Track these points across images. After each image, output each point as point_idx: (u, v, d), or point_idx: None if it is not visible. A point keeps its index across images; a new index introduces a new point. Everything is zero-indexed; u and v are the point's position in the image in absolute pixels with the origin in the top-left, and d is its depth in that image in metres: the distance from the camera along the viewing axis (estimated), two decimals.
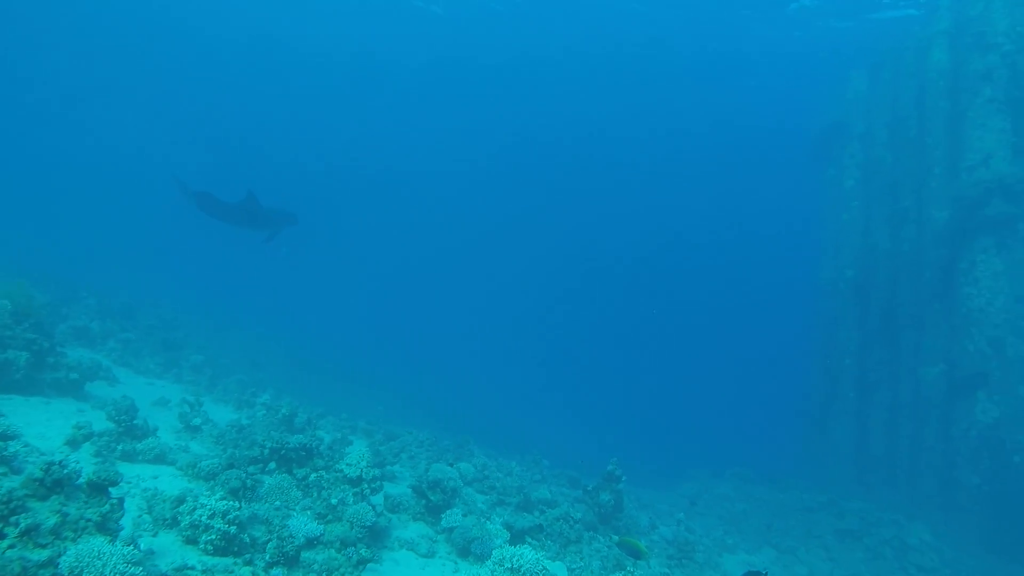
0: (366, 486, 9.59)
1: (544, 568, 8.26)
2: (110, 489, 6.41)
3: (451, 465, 11.35)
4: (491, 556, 8.36)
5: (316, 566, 6.80)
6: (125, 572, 5.15)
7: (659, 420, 48.98)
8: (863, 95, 28.33)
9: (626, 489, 16.05)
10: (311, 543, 7.84)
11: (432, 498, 10.40)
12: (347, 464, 9.61)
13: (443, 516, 10.12)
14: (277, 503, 8.76)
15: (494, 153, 68.96)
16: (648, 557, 8.92)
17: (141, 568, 5.42)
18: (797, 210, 40.37)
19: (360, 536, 8.50)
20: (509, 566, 8.07)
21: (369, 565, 8.38)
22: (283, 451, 9.48)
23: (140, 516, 7.42)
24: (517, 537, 10.91)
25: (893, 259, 25.54)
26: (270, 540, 7.05)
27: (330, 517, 8.80)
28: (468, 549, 9.66)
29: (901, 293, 25.13)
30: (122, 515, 6.42)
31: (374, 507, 9.34)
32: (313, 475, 9.45)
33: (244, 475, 8.35)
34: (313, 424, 13.45)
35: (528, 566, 8.07)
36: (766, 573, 8.37)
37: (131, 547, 5.67)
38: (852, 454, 26.00)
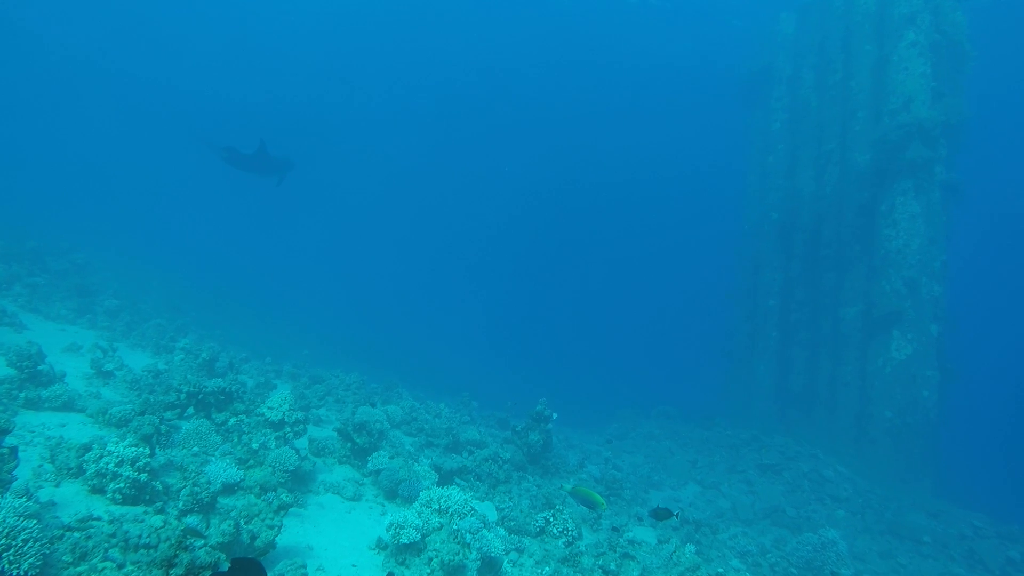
0: (289, 430, 9.32)
1: (472, 508, 8.21)
2: (3, 438, 5.98)
3: (372, 406, 11.13)
4: (419, 498, 8.25)
5: (234, 512, 6.55)
6: (16, 526, 4.79)
7: (590, 362, 49.76)
8: (791, 38, 28.43)
9: (555, 429, 16.18)
10: (229, 489, 7.57)
11: (358, 441, 10.20)
12: (268, 408, 9.30)
13: (369, 459, 9.95)
14: (195, 449, 8.42)
15: (425, 98, 67.30)
16: (603, 508, 8.81)
17: (37, 521, 5.07)
18: (724, 153, 40.80)
19: (282, 481, 8.26)
20: (437, 507, 7.97)
21: (292, 510, 8.18)
22: (201, 395, 9.09)
23: (41, 466, 6.99)
24: (446, 478, 10.85)
25: (817, 202, 26.04)
26: (184, 487, 6.75)
27: (251, 462, 8.53)
28: (395, 491, 9.54)
29: (824, 235, 25.69)
30: (15, 465, 6.01)
31: (298, 451, 9.09)
32: (233, 419, 9.12)
33: (158, 421, 7.96)
34: (235, 368, 13.02)
35: (456, 507, 7.99)
36: (678, 513, 8.50)
37: (24, 498, 5.30)
38: (774, 392, 26.84)
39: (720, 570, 9.25)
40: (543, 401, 13.99)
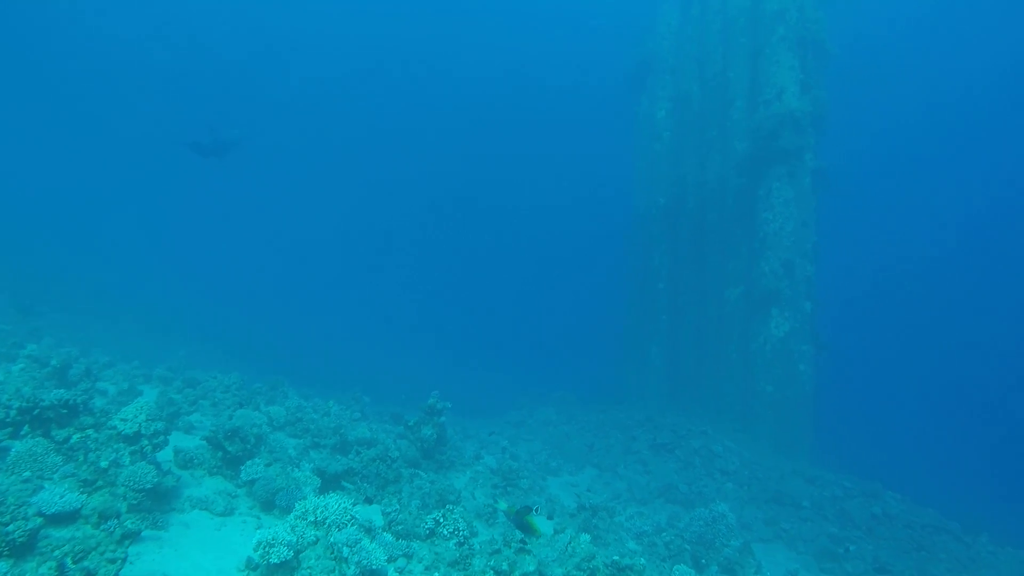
0: (147, 442, 8.12)
1: (352, 517, 7.31)
2: None
3: (256, 408, 10.03)
4: (294, 509, 7.30)
5: (60, 551, 5.43)
6: None
7: (488, 351, 49.19)
8: (674, 29, 28.69)
9: (451, 421, 15.42)
10: (67, 519, 6.40)
11: (230, 449, 9.09)
12: (122, 419, 8.08)
13: (243, 468, 8.88)
14: (26, 474, 7.15)
15: (317, 89, 64.90)
16: (542, 535, 7.84)
17: None
18: (615, 141, 40.98)
19: (136, 502, 7.13)
20: (312, 519, 7.04)
21: (149, 533, 7.07)
22: (36, 410, 7.78)
23: None
24: (331, 483, 9.88)
25: (701, 187, 26.34)
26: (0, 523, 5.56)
27: (100, 483, 7.33)
28: (273, 502, 8.51)
29: (708, 219, 26.05)
30: None
31: (159, 465, 7.94)
32: (77, 436, 7.85)
33: None
34: (93, 375, 11.56)
35: (334, 516, 7.09)
36: (537, 508, 7.87)
37: None
38: (666, 372, 27.05)
39: (616, 556, 8.71)
40: (436, 394, 13.18)
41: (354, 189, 75.37)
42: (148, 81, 62.45)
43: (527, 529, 7.75)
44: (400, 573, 7.51)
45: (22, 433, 7.92)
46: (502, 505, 8.20)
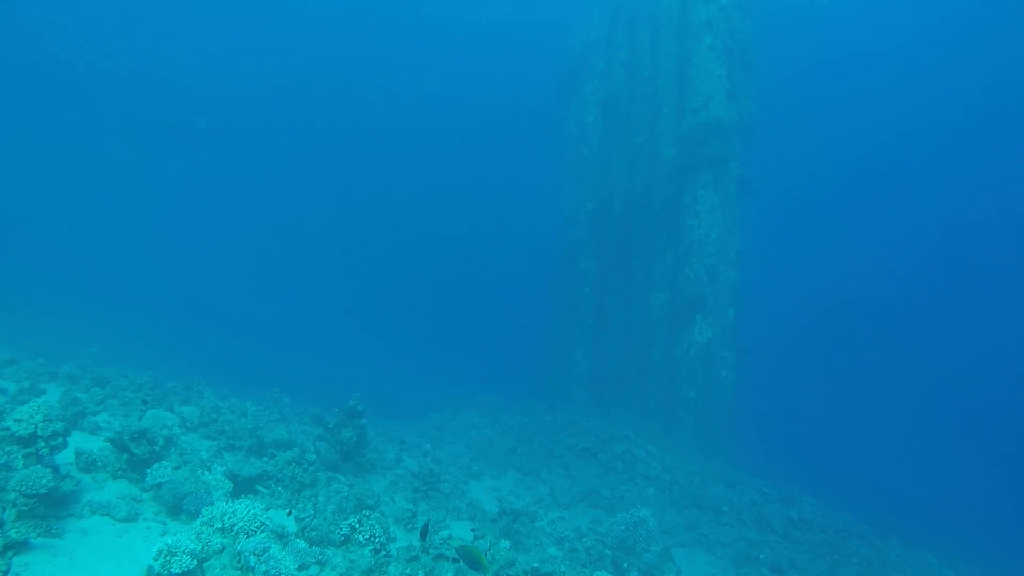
0: (43, 444, 7.71)
1: (262, 523, 7.12)
2: None
3: (150, 407, 9.68)
4: (200, 515, 7.06)
5: None
6: None
7: (412, 353, 48.80)
8: (604, 35, 28.96)
9: (373, 423, 15.22)
10: None
11: (136, 451, 8.74)
12: (16, 420, 7.65)
13: (149, 471, 8.54)
14: None
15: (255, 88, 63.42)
16: (487, 569, 7.57)
17: None
18: (543, 146, 41.24)
19: (27, 508, 6.77)
20: (220, 526, 6.82)
21: (41, 541, 6.72)
22: None
23: None
24: (244, 486, 9.61)
25: (628, 192, 26.68)
26: None
27: None
28: (180, 506, 8.21)
29: (635, 224, 26.39)
30: None
31: (56, 468, 7.56)
32: None
33: None
34: None
35: (243, 523, 6.88)
36: (428, 521, 7.88)
37: None
38: (591, 377, 27.30)
39: (536, 563, 8.76)
40: (357, 395, 12.98)
41: (284, 190, 73.88)
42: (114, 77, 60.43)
43: (477, 566, 7.55)
44: None
45: None
46: (455, 542, 7.96)
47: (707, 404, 23.51)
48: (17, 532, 5.85)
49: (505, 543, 9.11)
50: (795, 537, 17.46)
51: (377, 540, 8.21)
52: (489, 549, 8.79)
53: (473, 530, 11.13)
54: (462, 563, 7.74)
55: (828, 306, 60.98)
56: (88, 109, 64.20)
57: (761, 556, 16.12)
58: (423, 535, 7.67)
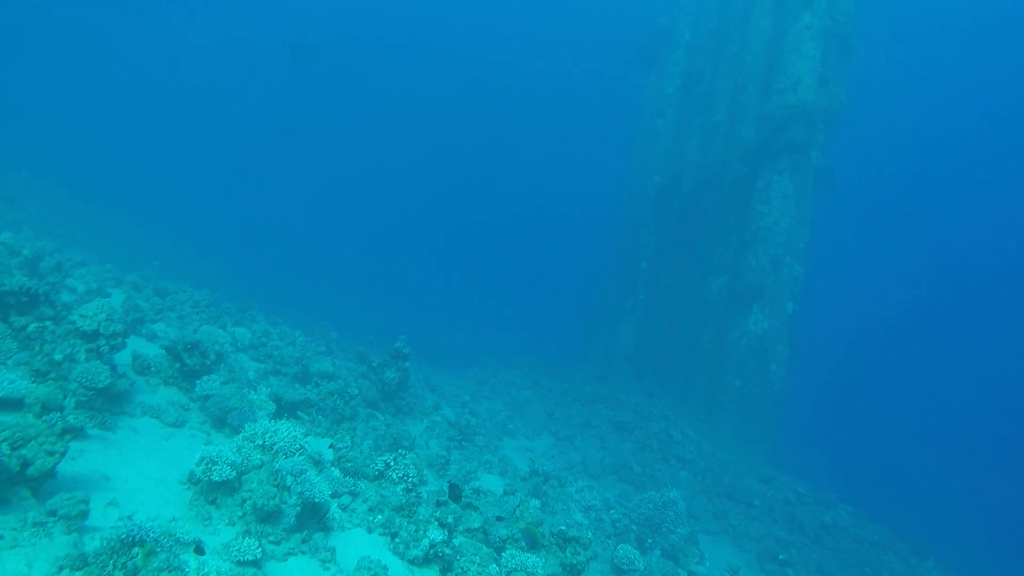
0: (104, 342, 8.08)
1: (301, 447, 7.36)
2: None
3: (204, 322, 9.98)
4: (243, 430, 7.33)
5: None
6: None
7: (459, 305, 49.20)
8: (693, 4, 28.13)
9: (415, 368, 15.47)
10: (5, 405, 6.37)
11: (188, 361, 9.08)
12: (82, 315, 8.01)
13: (198, 382, 8.88)
14: None
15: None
16: (544, 548, 7.85)
17: None
18: (610, 112, 40.57)
19: (85, 399, 7.12)
20: (260, 442, 7.08)
21: (96, 432, 7.08)
22: None
23: None
24: (287, 410, 9.93)
25: (700, 170, 26.16)
26: None
27: (52, 375, 7.31)
28: (224, 420, 8.54)
29: (702, 204, 25.89)
30: None
31: (114, 367, 7.92)
32: (34, 325, 7.79)
33: None
34: (64, 271, 11.46)
35: (283, 443, 7.13)
36: (458, 484, 8.00)
37: None
38: (636, 352, 27.19)
39: (563, 527, 8.86)
40: (403, 338, 13.21)
41: (361, 138, 74.95)
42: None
43: (535, 543, 7.80)
44: (343, 510, 7.59)
45: None
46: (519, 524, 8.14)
47: (752, 396, 23.21)
48: (75, 419, 6.16)
49: (535, 502, 9.25)
50: (826, 543, 17.26)
51: (410, 480, 8.42)
52: (519, 505, 8.93)
53: (504, 486, 11.31)
54: (519, 536, 7.94)
55: (894, 311, 59.21)
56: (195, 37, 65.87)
57: (782, 557, 15.96)
58: (453, 496, 7.83)
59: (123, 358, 8.93)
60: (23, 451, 5.36)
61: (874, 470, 34.36)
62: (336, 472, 8.09)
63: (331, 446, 8.52)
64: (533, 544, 7.75)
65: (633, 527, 12.99)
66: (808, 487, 19.91)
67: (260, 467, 6.71)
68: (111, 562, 4.77)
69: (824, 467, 27.22)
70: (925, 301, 59.82)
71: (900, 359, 56.65)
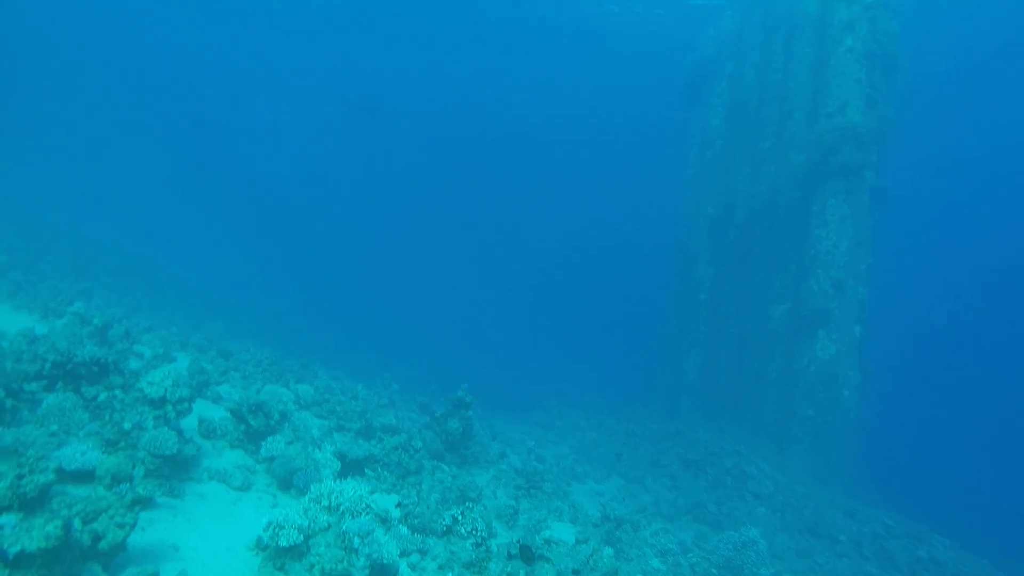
0: (171, 408, 8.08)
1: (368, 506, 7.16)
2: None
3: (268, 381, 9.98)
4: (309, 491, 7.18)
5: (70, 510, 5.36)
6: None
7: (519, 350, 48.97)
8: (735, 35, 28.13)
9: (478, 415, 15.25)
10: (83, 478, 6.37)
11: (253, 423, 9.04)
12: (149, 382, 8.05)
13: (263, 443, 8.81)
14: (53, 428, 7.15)
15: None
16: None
17: None
18: (661, 147, 40.38)
19: (153, 467, 7.09)
20: (327, 504, 6.91)
21: (165, 500, 7.02)
22: (69, 365, 7.81)
23: None
24: (352, 467, 9.77)
25: (751, 199, 25.72)
26: (6, 477, 5.51)
27: (122, 444, 7.32)
28: (290, 481, 8.42)
29: (757, 232, 25.40)
30: None
31: (181, 433, 7.91)
32: (104, 394, 7.86)
33: (3, 393, 6.68)
34: (132, 338, 11.65)
35: (348, 503, 6.95)
36: (529, 546, 7.65)
37: None
38: (701, 386, 26.51)
39: (639, 575, 8.43)
40: (465, 387, 13.01)
41: (397, 186, 76.07)
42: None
43: None
44: (412, 569, 7.34)
45: (55, 387, 7.96)
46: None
47: (826, 424, 22.30)
48: (144, 489, 6.11)
49: (608, 550, 8.84)
50: None
51: (479, 534, 8.14)
52: (592, 555, 8.55)
53: (576, 534, 10.91)
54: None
55: (970, 329, 56.64)
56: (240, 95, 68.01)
57: None
58: (525, 559, 7.53)
59: (190, 423, 8.95)
60: (94, 525, 5.28)
61: (964, 496, 32.49)
62: (404, 529, 7.86)
63: (398, 504, 8.31)
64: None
65: (713, 570, 12.38)
66: (896, 519, 18.84)
67: (327, 529, 6.53)
68: None
69: (909, 496, 25.87)
70: (998, 311, 57.11)
71: (981, 375, 54.06)
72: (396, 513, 8.22)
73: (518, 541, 7.95)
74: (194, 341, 14.32)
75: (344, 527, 6.48)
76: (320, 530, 6.50)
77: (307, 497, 7.02)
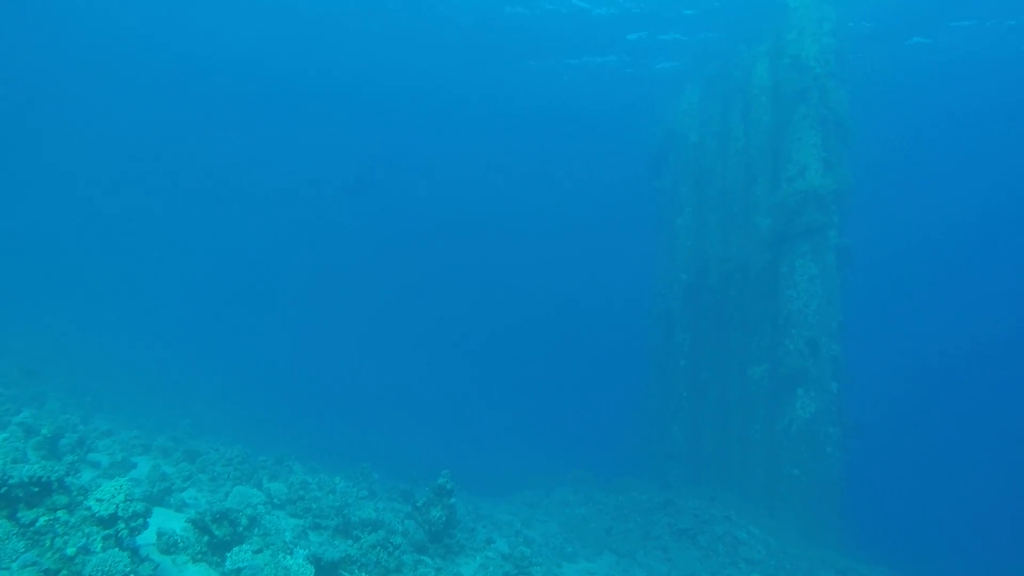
0: (123, 525, 7.22)
1: None
2: None
3: (237, 482, 9.12)
4: None
5: None
6: None
7: (502, 427, 47.81)
8: (696, 107, 28.58)
9: (463, 499, 14.40)
10: None
11: (217, 533, 8.18)
12: (98, 499, 7.21)
13: (228, 555, 7.94)
14: None
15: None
16: None
17: None
18: (634, 218, 40.48)
19: None
20: None
21: None
22: (3, 488, 6.95)
23: None
24: (327, 571, 8.88)
25: (723, 263, 25.63)
26: None
27: (64, 573, 6.46)
28: None
29: (731, 295, 25.24)
30: None
31: (136, 551, 7.07)
32: (44, 518, 6.99)
33: None
34: (87, 445, 10.75)
35: None
36: None
37: None
38: (687, 452, 25.80)
39: None
40: (446, 473, 12.17)
41: (366, 261, 75.37)
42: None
43: None
44: None
45: None
46: None
47: (812, 483, 21.60)
48: None
49: None
50: None
51: None
52: None
53: None
54: None
55: (944, 378, 56.47)
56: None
57: None
58: None
59: (147, 537, 8.06)
60: None
61: (957, 546, 31.54)
62: None
63: None
64: None
65: None
66: (888, 573, 18.11)
67: None
68: None
69: (901, 548, 25.08)
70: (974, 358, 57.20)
71: (961, 420, 53.68)
72: None
73: None
74: (158, 443, 13.31)
75: None
76: None
77: None
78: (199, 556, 8.14)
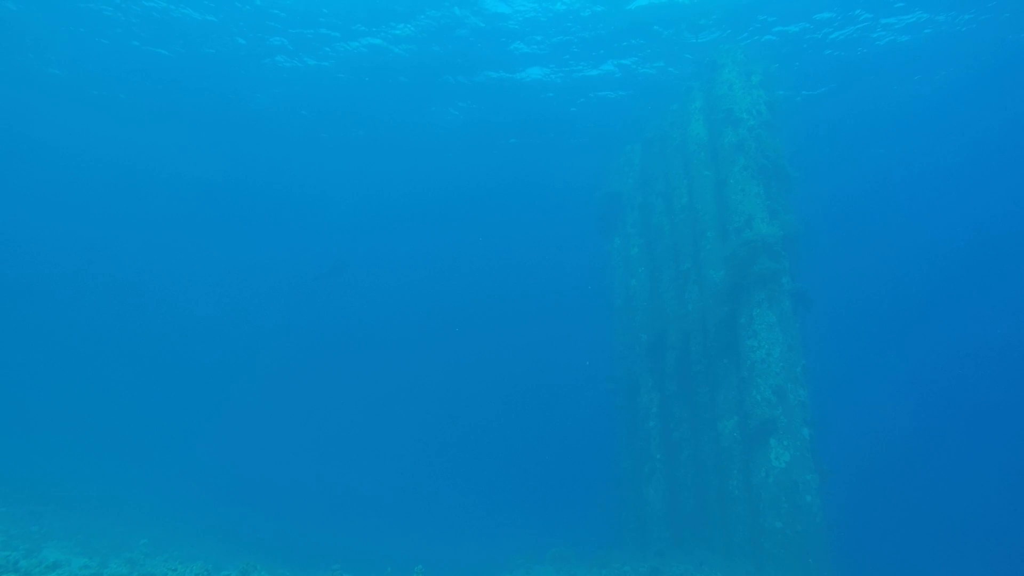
0: None
1: None
2: None
3: None
4: None
5: None
6: None
7: (476, 506, 47.20)
8: (638, 167, 29.43)
9: None
10: None
11: None
12: None
13: None
14: None
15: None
16: None
17: None
18: (591, 282, 41.25)
19: None
20: None
21: None
22: None
23: None
24: None
25: (681, 319, 25.96)
26: None
27: None
28: None
29: (693, 351, 25.41)
30: None
31: None
32: None
33: None
34: None
35: None
36: None
37: None
38: (666, 515, 25.61)
39: None
40: (419, 568, 12.25)
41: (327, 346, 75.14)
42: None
43: None
44: None
45: None
46: None
47: (796, 534, 21.48)
48: None
49: None
50: None
51: None
52: None
53: None
54: None
55: (929, 413, 57.29)
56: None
57: None
58: None
59: None
60: None
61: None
62: None
63: None
64: None
65: None
66: None
67: None
68: None
69: None
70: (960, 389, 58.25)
71: (944, 455, 54.29)
72: None
73: None
74: (111, 571, 13.00)
75: None
76: None
77: None
78: None
